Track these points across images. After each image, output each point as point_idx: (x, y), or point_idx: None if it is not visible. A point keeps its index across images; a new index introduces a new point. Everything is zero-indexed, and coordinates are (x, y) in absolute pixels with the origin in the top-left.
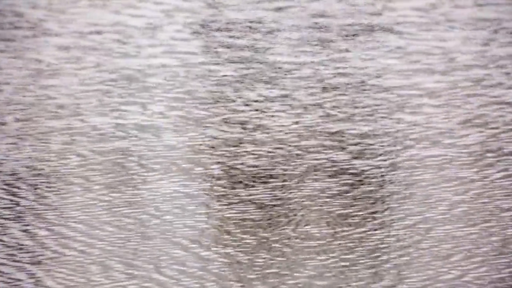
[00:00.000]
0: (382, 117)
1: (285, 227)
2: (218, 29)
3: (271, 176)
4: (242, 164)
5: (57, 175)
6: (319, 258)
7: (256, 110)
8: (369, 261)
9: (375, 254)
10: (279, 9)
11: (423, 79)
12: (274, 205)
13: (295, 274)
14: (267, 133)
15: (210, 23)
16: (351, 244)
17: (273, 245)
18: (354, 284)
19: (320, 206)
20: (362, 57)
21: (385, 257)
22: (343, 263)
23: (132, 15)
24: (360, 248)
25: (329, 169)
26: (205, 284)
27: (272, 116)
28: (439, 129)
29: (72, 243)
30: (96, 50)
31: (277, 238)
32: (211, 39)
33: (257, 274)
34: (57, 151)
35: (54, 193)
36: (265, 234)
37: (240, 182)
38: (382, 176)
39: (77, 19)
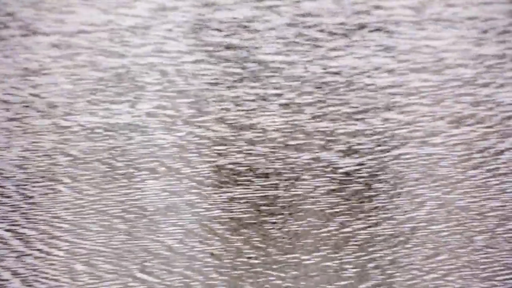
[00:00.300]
0: (371, 116)
1: (273, 225)
2: (209, 28)
3: (259, 175)
4: (231, 163)
5: (45, 174)
6: (306, 257)
7: (246, 109)
8: (356, 260)
9: (363, 253)
10: (269, 7)
11: (413, 78)
12: (262, 204)
13: (281, 274)
14: (257, 132)
15: (200, 22)
16: (339, 243)
17: (259, 244)
18: (341, 283)
19: (309, 205)
20: (352, 56)
21: (372, 256)
22: (329, 263)
23: (122, 14)
24: (348, 247)
25: (317, 167)
26: (191, 283)
27: (262, 115)
28: (428, 128)
29: (59, 243)
30: (87, 49)
31: (264, 237)
32: (202, 38)
33: (243, 273)
34: (45, 150)
35: (40, 192)
36: (252, 233)
37: (229, 181)
38: (370, 175)
39: (67, 18)
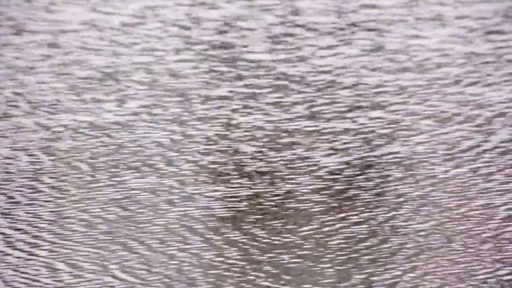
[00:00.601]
0: (358, 115)
1: (255, 224)
2: (198, 27)
3: (243, 174)
4: (216, 162)
5: (27, 173)
6: (288, 256)
7: (233, 108)
8: (339, 259)
9: (345, 252)
10: (255, 6)
11: (401, 77)
12: (244, 203)
13: (261, 274)
14: (242, 130)
15: (187, 21)
16: (322, 242)
17: (242, 245)
18: (323, 281)
19: (293, 204)
20: (340, 55)
21: (355, 255)
22: (312, 262)
23: (109, 13)
24: (331, 246)
25: (303, 166)
26: (171, 284)
27: (249, 113)
28: (414, 127)
29: (41, 243)
30: (74, 47)
31: (248, 236)
32: (190, 37)
33: (225, 273)
34: (28, 148)
35: (20, 192)
36: (236, 233)
37: (211, 180)
38: (355, 174)
39: (55, 16)
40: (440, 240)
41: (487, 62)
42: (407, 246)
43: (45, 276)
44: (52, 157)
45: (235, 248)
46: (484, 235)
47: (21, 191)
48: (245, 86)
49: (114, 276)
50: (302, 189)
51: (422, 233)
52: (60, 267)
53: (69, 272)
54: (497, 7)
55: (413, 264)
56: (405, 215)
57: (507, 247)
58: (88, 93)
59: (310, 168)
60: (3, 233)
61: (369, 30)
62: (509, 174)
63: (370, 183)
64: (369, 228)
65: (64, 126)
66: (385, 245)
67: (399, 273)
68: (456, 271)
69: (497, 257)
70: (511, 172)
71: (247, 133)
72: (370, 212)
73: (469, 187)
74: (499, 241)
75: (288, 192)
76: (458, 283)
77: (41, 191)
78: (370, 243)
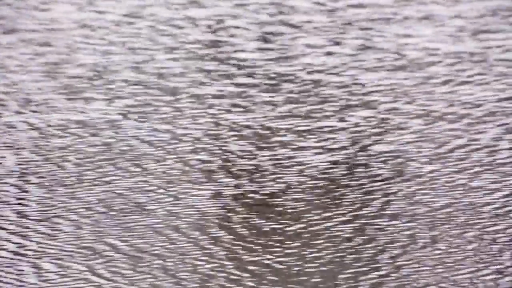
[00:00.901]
0: (347, 113)
1: (242, 224)
2: (187, 25)
3: (231, 173)
4: (202, 160)
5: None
6: (269, 256)
7: (220, 107)
8: (326, 258)
9: (331, 251)
10: (240, 5)
11: (391, 76)
12: (232, 202)
13: (245, 274)
14: (230, 129)
15: (172, 20)
16: (307, 241)
17: (229, 245)
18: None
19: (281, 203)
20: (330, 54)
21: (340, 254)
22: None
23: (97, 12)
24: (316, 245)
25: (290, 165)
26: (140, 285)
27: (236, 112)
28: (401, 125)
29: (6, 244)
30: (62, 46)
31: (234, 236)
32: (179, 35)
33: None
34: (17, 148)
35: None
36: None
37: (200, 179)
38: (343, 173)
39: (45, 15)
40: (426, 239)
41: (476, 61)
42: (394, 245)
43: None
44: (39, 157)
45: (221, 248)
46: (471, 234)
47: (7, 190)
48: (235, 85)
49: (99, 275)
50: (290, 188)
51: (408, 232)
52: (46, 267)
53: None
54: (491, 5)
55: (399, 263)
56: (393, 214)
57: (492, 247)
58: (78, 92)
59: (299, 167)
60: None
61: (360, 29)
62: (498, 173)
63: (358, 182)
64: (356, 227)
65: (51, 125)
66: (371, 244)
67: (384, 272)
68: (441, 270)
69: (482, 257)
70: (501, 171)
71: (235, 132)
72: (358, 211)
73: (456, 186)
74: (485, 241)
75: (277, 191)
76: (443, 282)
77: (27, 191)
78: (357, 242)
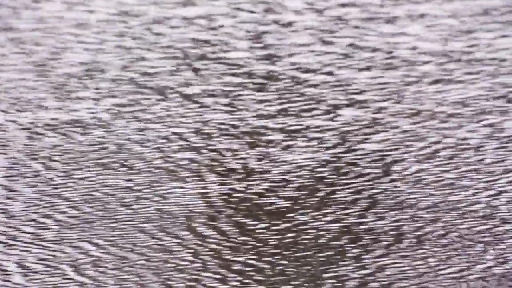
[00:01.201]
0: (333, 112)
1: (228, 223)
2: (173, 24)
3: (215, 172)
4: (186, 159)
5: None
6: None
7: (203, 105)
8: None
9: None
10: (231, 4)
11: (378, 74)
12: (218, 201)
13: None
14: (216, 128)
15: (161, 20)
16: (291, 240)
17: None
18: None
19: (267, 202)
20: (318, 52)
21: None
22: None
23: (86, 10)
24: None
25: (272, 164)
26: (123, 284)
27: (221, 111)
28: (388, 124)
29: None
30: (50, 44)
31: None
32: (166, 34)
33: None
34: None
35: None
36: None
37: (184, 177)
38: (329, 172)
39: (33, 13)
40: (412, 239)
41: (465, 61)
42: (379, 244)
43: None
44: (27, 156)
45: (208, 247)
46: (456, 233)
47: None
48: (224, 84)
49: (68, 277)
50: (278, 187)
51: (394, 232)
52: (11, 269)
53: (20, 273)
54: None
55: (384, 263)
56: (379, 213)
57: (475, 246)
58: (68, 91)
59: (286, 166)
60: None
61: (350, 28)
62: (485, 172)
63: (346, 181)
64: (343, 227)
65: (40, 124)
66: (357, 243)
67: (370, 271)
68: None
69: (467, 257)
70: (488, 170)
71: (223, 131)
72: (345, 210)
73: (444, 185)
74: (471, 241)
75: (264, 190)
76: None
77: (15, 191)
78: (344, 242)
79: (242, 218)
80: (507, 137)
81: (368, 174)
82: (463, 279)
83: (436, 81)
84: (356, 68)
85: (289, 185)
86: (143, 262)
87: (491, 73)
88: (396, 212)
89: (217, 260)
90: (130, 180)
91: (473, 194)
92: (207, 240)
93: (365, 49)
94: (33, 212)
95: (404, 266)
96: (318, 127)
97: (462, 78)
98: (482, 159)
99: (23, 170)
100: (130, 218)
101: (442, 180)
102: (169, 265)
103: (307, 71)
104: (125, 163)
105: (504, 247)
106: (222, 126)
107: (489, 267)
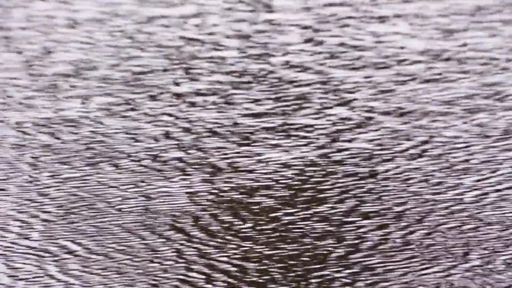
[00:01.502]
0: (322, 111)
1: (215, 221)
2: (162, 23)
3: (201, 170)
4: (174, 158)
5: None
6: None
7: (191, 103)
8: (293, 257)
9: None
10: (221, 3)
11: (365, 73)
12: (204, 199)
13: (217, 274)
14: (203, 126)
15: (151, 19)
16: (277, 239)
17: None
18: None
19: (253, 200)
20: (307, 52)
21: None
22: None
23: (75, 10)
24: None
25: (261, 163)
26: (109, 283)
27: (209, 109)
28: (376, 123)
29: None
30: (40, 42)
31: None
32: (154, 33)
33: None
34: None
35: None
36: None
37: (171, 176)
38: (317, 172)
39: (23, 12)
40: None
41: (452, 59)
42: (366, 244)
43: None
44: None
45: (193, 246)
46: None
47: None
48: (210, 82)
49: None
50: (264, 186)
51: (379, 231)
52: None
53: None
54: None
55: (370, 262)
56: (366, 213)
57: (462, 246)
58: (56, 90)
59: (273, 165)
60: None
61: (338, 27)
62: (471, 171)
63: (333, 180)
64: (329, 225)
65: (28, 123)
66: (343, 243)
67: (357, 270)
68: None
69: (451, 256)
70: (474, 169)
71: (210, 129)
72: (331, 209)
73: (429, 185)
74: (455, 240)
75: (250, 188)
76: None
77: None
78: (329, 241)
79: (228, 217)
80: (496, 137)
81: (356, 173)
82: (448, 278)
83: (426, 81)
84: (347, 67)
85: (275, 184)
86: (128, 261)
87: (481, 72)
88: (383, 211)
89: (202, 260)
90: (116, 179)
91: (461, 194)
92: (193, 239)
93: (355, 48)
94: (18, 212)
95: (389, 266)
96: (305, 125)
97: (452, 77)
98: (468, 159)
99: (11, 170)
100: (115, 217)
101: (430, 179)
102: (154, 264)
103: (295, 69)
104: (112, 162)
105: (489, 246)
106: (209, 124)
107: (473, 267)
